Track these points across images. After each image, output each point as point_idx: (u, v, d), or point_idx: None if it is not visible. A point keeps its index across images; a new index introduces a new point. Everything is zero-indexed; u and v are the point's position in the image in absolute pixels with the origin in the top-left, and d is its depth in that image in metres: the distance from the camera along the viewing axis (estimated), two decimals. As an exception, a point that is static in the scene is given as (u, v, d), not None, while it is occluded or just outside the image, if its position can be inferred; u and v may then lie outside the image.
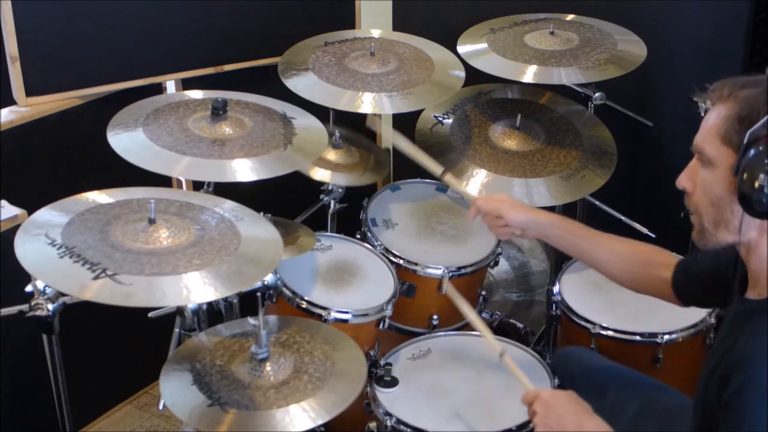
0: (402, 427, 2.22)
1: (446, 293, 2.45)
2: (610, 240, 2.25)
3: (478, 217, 2.86)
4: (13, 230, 2.06)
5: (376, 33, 3.03)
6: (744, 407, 1.60)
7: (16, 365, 2.55)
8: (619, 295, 2.62)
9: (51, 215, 2.08)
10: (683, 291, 2.12)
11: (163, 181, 2.50)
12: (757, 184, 1.60)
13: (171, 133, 2.39)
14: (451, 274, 2.67)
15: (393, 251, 2.70)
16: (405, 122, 3.05)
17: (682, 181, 1.78)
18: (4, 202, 2.47)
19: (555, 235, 2.27)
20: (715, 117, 1.70)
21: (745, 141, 1.63)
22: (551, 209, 2.99)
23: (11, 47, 2.64)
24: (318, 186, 2.83)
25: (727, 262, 1.89)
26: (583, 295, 2.63)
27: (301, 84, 2.72)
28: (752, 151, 1.61)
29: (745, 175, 1.62)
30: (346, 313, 2.46)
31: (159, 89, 2.93)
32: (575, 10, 3.06)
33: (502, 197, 2.37)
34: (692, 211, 1.77)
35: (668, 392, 2.19)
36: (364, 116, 2.68)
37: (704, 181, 1.72)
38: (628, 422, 2.14)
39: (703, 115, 2.72)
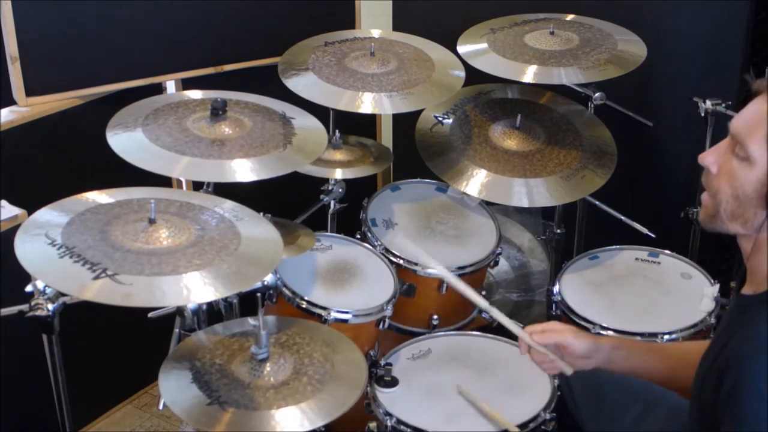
0: (402, 427, 2.22)
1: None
2: (675, 347, 2.12)
3: (479, 217, 2.89)
4: (13, 230, 2.06)
5: (376, 33, 3.03)
6: (740, 404, 1.58)
7: (16, 365, 2.55)
8: (619, 295, 2.63)
9: (51, 215, 2.08)
10: None
11: (163, 181, 2.50)
12: None
13: (170, 133, 2.39)
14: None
15: (393, 251, 2.70)
16: (405, 122, 3.06)
17: (708, 159, 1.67)
18: (4, 202, 2.47)
19: (621, 355, 2.04)
20: (764, 112, 1.60)
21: None
22: (551, 209, 3.00)
23: (11, 47, 2.64)
24: (318, 186, 2.83)
25: None
26: (583, 295, 2.63)
27: (301, 84, 2.72)
28: None
29: None
30: (346, 313, 2.46)
31: (159, 89, 2.93)
32: (575, 10, 3.06)
33: (556, 326, 2.08)
34: (709, 193, 1.69)
35: (667, 394, 2.19)
36: (363, 116, 2.65)
37: (735, 172, 1.63)
38: (628, 422, 2.14)
39: (702, 115, 2.75)
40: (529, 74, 2.75)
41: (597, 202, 2.90)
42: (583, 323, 2.53)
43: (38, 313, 1.99)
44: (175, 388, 2.05)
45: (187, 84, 2.95)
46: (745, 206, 1.64)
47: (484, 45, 2.88)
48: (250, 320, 2.18)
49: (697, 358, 1.92)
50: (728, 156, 1.65)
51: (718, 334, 1.74)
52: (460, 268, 2.70)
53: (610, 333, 2.49)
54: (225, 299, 2.42)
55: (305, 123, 2.56)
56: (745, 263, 1.73)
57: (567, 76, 2.75)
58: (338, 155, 2.83)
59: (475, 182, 2.72)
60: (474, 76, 2.87)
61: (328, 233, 2.78)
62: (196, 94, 2.62)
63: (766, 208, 1.62)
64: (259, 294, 2.35)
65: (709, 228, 1.71)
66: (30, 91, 2.70)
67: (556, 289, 2.65)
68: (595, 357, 2.03)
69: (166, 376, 2.08)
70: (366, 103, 2.67)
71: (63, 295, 1.99)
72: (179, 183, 2.93)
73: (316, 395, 2.04)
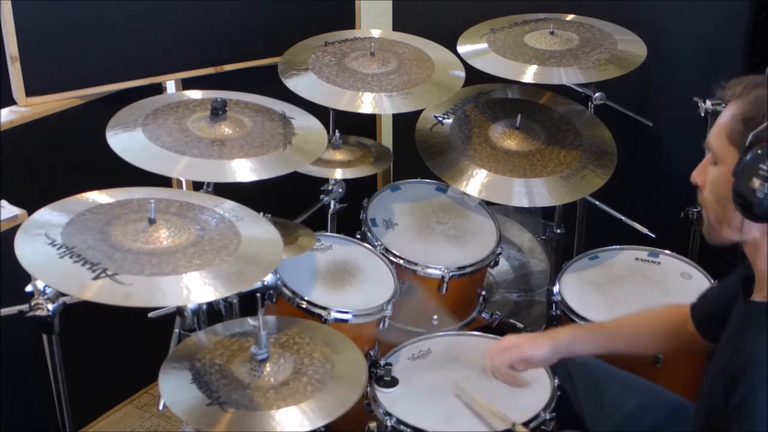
0: (402, 427, 2.21)
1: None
2: (630, 326, 2.18)
3: (479, 217, 2.89)
4: (13, 230, 2.06)
5: (376, 33, 3.03)
6: (754, 411, 1.60)
7: (16, 365, 2.55)
8: (619, 295, 2.63)
9: (51, 215, 2.08)
10: (711, 332, 1.99)
11: (163, 181, 2.50)
12: (751, 187, 1.60)
13: (170, 133, 2.39)
14: (451, 274, 2.67)
15: (393, 251, 2.70)
16: (405, 122, 3.06)
17: (695, 175, 1.78)
18: (4, 202, 2.47)
19: (581, 346, 2.14)
20: (726, 115, 1.71)
21: (747, 143, 1.63)
22: (551, 209, 3.00)
23: (11, 47, 2.64)
24: (318, 186, 2.83)
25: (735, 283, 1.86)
26: (583, 295, 2.63)
27: (301, 84, 2.72)
28: (750, 154, 1.61)
29: (741, 178, 1.62)
30: (347, 313, 2.46)
31: (159, 89, 2.93)
32: (575, 10, 3.06)
33: (512, 340, 2.17)
34: (702, 207, 1.78)
35: (664, 393, 2.20)
36: (363, 116, 2.65)
37: (712, 177, 1.72)
38: (626, 417, 2.14)
39: (702, 115, 2.75)
40: (529, 74, 2.75)
41: (597, 202, 2.90)
42: (583, 323, 2.52)
43: (38, 313, 1.99)
44: (175, 389, 2.05)
45: (187, 84, 2.95)
46: (725, 207, 1.69)
47: (484, 45, 2.88)
48: (250, 320, 2.18)
49: (655, 327, 2.12)
50: (709, 167, 1.75)
51: (727, 339, 1.75)
52: (460, 268, 2.70)
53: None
54: (225, 299, 2.42)
55: (305, 123, 2.56)
56: (754, 271, 1.75)
57: (567, 76, 2.75)
58: (338, 155, 2.83)
59: (475, 182, 2.72)
60: (474, 76, 2.86)
61: (328, 233, 2.79)
62: (196, 94, 2.62)
63: (734, 203, 1.65)
64: (259, 294, 2.35)
65: (711, 240, 1.77)
66: (30, 91, 2.70)
67: (556, 289, 2.65)
68: (556, 354, 2.12)
69: (166, 377, 2.08)
70: (366, 103, 2.67)
71: (63, 295, 1.99)
72: (179, 183, 2.93)
73: (316, 395, 2.04)
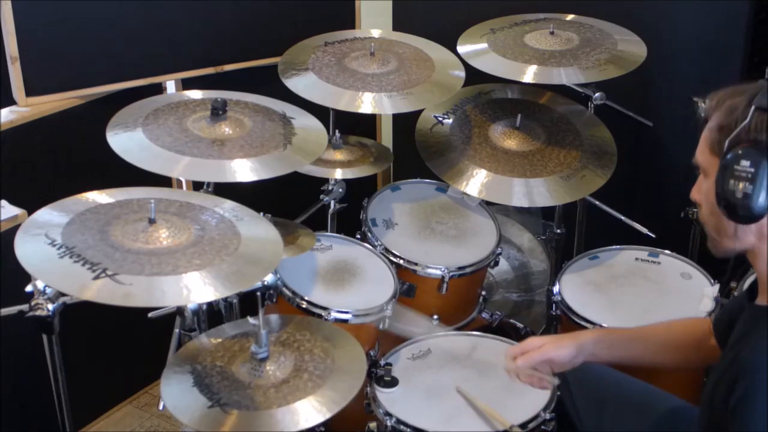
0: (402, 427, 2.21)
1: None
2: (656, 335, 2.16)
3: (479, 217, 2.89)
4: (13, 230, 2.06)
5: (376, 33, 3.03)
6: (750, 412, 1.61)
7: (16, 365, 2.55)
8: (619, 295, 2.63)
9: (51, 215, 2.08)
10: (724, 340, 1.95)
11: (163, 181, 2.50)
12: (730, 190, 1.64)
13: (170, 133, 2.39)
14: (451, 274, 2.67)
15: (393, 251, 2.70)
16: (405, 122, 3.06)
17: (694, 193, 1.80)
18: (4, 202, 2.47)
19: (605, 350, 2.11)
20: (706, 128, 1.74)
21: (725, 149, 1.66)
22: (551, 209, 3.00)
23: (11, 47, 2.64)
24: (318, 186, 2.83)
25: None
26: (583, 295, 2.63)
27: (301, 84, 2.72)
28: (727, 159, 1.65)
29: (721, 182, 1.65)
30: (347, 313, 2.46)
31: (159, 89, 2.93)
32: (575, 10, 3.06)
33: (535, 342, 2.14)
34: (702, 222, 1.79)
35: (667, 397, 2.19)
36: (363, 116, 2.65)
37: (705, 191, 1.74)
38: (628, 426, 2.14)
39: (702, 115, 2.75)
40: (529, 74, 2.75)
41: (597, 202, 2.90)
42: (583, 323, 2.53)
43: (38, 313, 1.99)
44: (177, 394, 2.04)
45: (187, 84, 2.95)
46: (719, 217, 1.71)
47: (484, 45, 2.88)
48: (251, 319, 2.18)
49: (679, 338, 2.09)
50: (702, 184, 1.77)
51: (731, 344, 1.75)
52: (460, 268, 2.70)
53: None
54: (225, 299, 2.42)
55: (305, 123, 2.56)
56: (757, 275, 1.76)
57: (567, 76, 2.75)
58: (338, 155, 2.83)
59: (475, 182, 2.72)
60: (474, 76, 2.87)
61: (328, 233, 2.79)
62: (196, 94, 2.62)
63: (719, 208, 1.67)
64: (259, 294, 2.35)
65: (716, 254, 1.79)
66: (30, 91, 2.70)
67: (556, 289, 2.65)
68: (580, 356, 2.09)
69: (167, 382, 2.08)
70: (366, 103, 2.67)
71: (63, 295, 1.99)
72: (179, 183, 2.93)
73: (316, 391, 2.04)
